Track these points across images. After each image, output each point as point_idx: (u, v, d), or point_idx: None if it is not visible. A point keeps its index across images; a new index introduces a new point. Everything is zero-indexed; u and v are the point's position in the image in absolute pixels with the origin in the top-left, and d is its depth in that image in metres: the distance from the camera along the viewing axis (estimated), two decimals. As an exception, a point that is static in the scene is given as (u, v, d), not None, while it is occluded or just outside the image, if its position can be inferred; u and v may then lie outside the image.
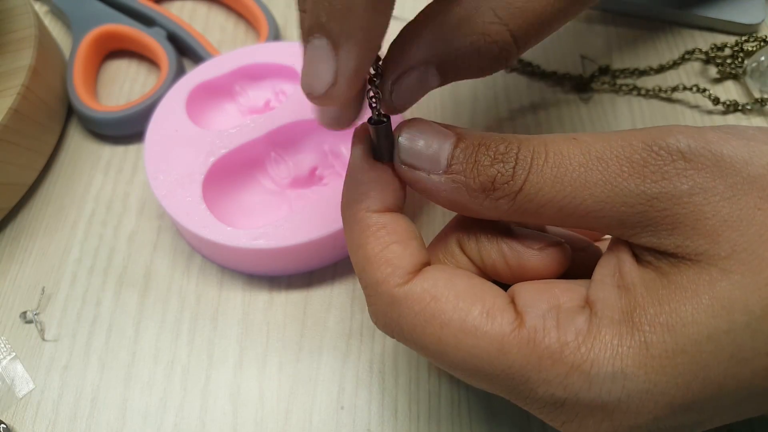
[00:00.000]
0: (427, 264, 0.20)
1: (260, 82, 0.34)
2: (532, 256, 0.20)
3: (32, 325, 0.29)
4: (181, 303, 0.29)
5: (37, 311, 0.29)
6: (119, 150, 0.35)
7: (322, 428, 0.26)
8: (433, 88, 0.21)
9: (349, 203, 0.20)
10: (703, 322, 0.16)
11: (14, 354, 0.28)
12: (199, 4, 0.42)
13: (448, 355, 0.18)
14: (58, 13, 0.40)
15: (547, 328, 0.17)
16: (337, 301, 0.29)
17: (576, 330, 0.17)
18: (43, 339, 0.29)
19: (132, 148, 0.35)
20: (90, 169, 0.34)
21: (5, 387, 0.27)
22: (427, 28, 0.20)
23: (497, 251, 0.20)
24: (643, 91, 0.36)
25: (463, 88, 0.36)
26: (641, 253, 0.18)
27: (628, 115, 0.35)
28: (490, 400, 0.26)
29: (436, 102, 0.36)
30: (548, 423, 0.19)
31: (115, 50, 0.39)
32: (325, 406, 0.26)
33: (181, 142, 0.31)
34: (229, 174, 0.31)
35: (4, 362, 0.28)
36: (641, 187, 0.17)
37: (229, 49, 0.36)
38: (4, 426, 0.26)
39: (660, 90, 0.35)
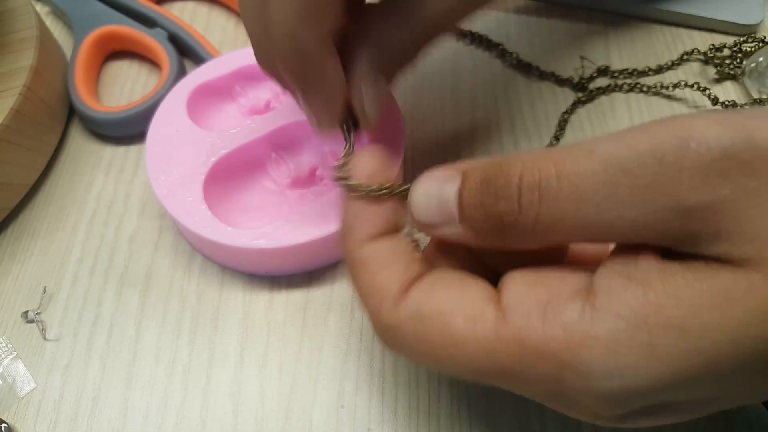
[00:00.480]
0: (417, 276, 0.20)
1: (261, 83, 0.35)
2: None
3: (34, 324, 0.29)
4: (182, 303, 0.30)
5: (39, 311, 0.29)
6: (120, 150, 0.35)
7: (322, 428, 0.26)
8: (386, 92, 0.25)
9: (342, 236, 0.21)
10: (730, 330, 0.15)
11: (16, 353, 0.28)
12: (200, 5, 0.42)
13: (447, 369, 0.19)
14: (59, 13, 0.40)
15: (531, 325, 0.17)
16: (337, 301, 0.29)
17: (563, 324, 0.16)
18: (45, 338, 0.29)
19: (133, 149, 0.35)
20: (91, 170, 0.34)
21: (7, 386, 0.28)
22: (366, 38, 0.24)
23: None
24: (645, 88, 0.35)
25: (462, 88, 0.36)
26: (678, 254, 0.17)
27: (627, 115, 0.35)
28: (490, 400, 0.26)
29: (436, 103, 0.36)
30: (551, 408, 0.19)
31: (117, 51, 0.39)
32: (325, 405, 0.27)
33: (182, 142, 0.31)
34: (229, 174, 0.31)
35: (6, 362, 0.28)
36: (676, 199, 0.15)
37: (230, 50, 0.36)
38: (6, 425, 0.26)
39: (661, 86, 0.35)
